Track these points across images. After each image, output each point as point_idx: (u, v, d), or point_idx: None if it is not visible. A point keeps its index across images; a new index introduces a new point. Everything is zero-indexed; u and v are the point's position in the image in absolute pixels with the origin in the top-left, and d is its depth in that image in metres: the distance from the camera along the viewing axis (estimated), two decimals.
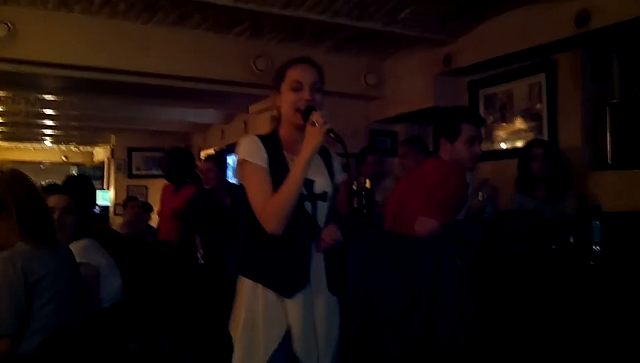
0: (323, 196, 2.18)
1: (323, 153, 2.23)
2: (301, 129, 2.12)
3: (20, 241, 2.50)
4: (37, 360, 2.43)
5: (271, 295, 2.11)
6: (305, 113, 2.09)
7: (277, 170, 2.10)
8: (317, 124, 2.02)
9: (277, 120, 2.25)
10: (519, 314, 3.38)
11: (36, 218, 2.54)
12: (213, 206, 4.97)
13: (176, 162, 5.41)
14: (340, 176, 2.32)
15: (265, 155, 2.11)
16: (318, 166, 2.20)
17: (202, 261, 5.05)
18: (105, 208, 11.04)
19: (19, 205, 2.51)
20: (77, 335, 2.57)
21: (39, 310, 2.48)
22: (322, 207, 2.19)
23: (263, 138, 2.17)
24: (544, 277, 3.37)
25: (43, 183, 3.45)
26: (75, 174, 10.52)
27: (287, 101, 2.17)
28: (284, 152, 2.17)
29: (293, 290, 2.10)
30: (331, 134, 2.04)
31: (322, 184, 2.18)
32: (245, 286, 2.14)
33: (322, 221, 2.19)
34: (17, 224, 2.50)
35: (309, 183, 2.13)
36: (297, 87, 2.15)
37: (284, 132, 2.22)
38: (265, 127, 2.34)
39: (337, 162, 2.32)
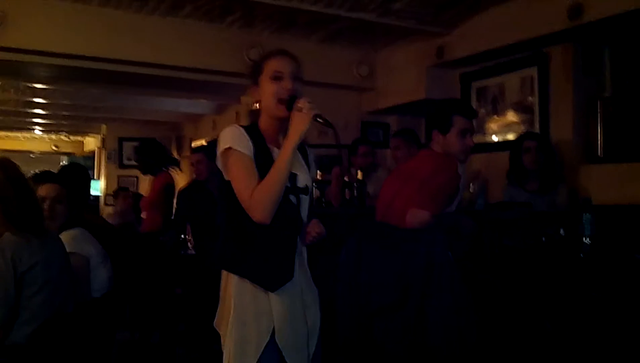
0: (305, 190, 2.17)
1: (300, 147, 2.16)
2: (283, 121, 2.10)
3: (7, 231, 2.48)
4: (27, 350, 2.42)
5: (259, 290, 2.08)
6: (289, 102, 2.08)
7: (262, 161, 2.08)
8: (303, 110, 2.01)
9: (255, 113, 2.22)
10: (508, 304, 3.40)
11: (21, 208, 2.52)
12: (203, 197, 4.97)
13: (143, 156, 5.49)
14: (314, 171, 2.31)
15: (250, 144, 2.08)
16: (299, 161, 2.18)
17: (192, 252, 5.06)
18: (95, 198, 10.99)
19: (3, 196, 2.50)
20: (67, 325, 2.56)
21: (28, 300, 2.47)
22: (305, 201, 2.18)
23: (246, 129, 2.14)
24: (534, 269, 3.39)
25: (37, 171, 3.43)
26: (71, 163, 10.47)
27: (268, 92, 2.14)
28: (267, 144, 2.15)
29: (279, 284, 2.08)
30: (319, 119, 2.03)
31: (304, 178, 2.17)
32: (231, 281, 2.11)
33: (305, 215, 2.18)
34: (1, 215, 2.49)
35: (292, 177, 2.11)
36: (277, 77, 2.13)
37: (264, 124, 2.18)
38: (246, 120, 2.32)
39: (312, 156, 2.30)
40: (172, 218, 5.33)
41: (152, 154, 5.47)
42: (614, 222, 3.59)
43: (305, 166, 2.22)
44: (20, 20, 4.82)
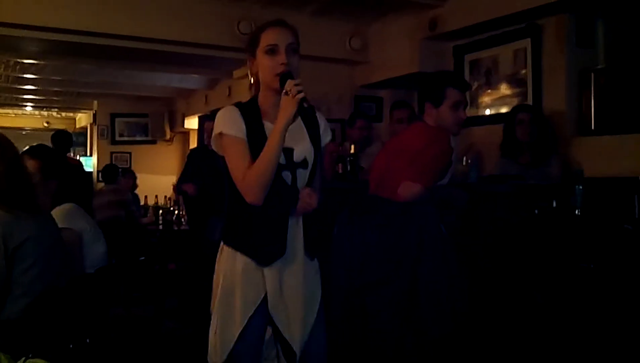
0: (303, 164, 2.17)
1: (306, 116, 2.19)
2: (281, 93, 2.10)
3: None
4: (21, 325, 2.42)
5: (250, 261, 2.12)
6: (282, 80, 2.06)
7: (256, 140, 2.09)
8: (290, 94, 2.00)
9: (255, 86, 2.22)
10: (500, 277, 3.42)
11: (9, 184, 2.50)
12: (208, 165, 4.98)
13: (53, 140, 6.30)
14: (327, 138, 2.29)
15: (243, 126, 2.09)
16: (298, 132, 2.17)
17: (186, 227, 5.08)
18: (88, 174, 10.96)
19: None
20: (60, 301, 2.56)
21: (21, 276, 2.46)
22: (303, 174, 2.18)
23: (242, 107, 2.15)
24: (525, 241, 3.41)
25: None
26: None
27: (264, 66, 2.13)
28: (263, 121, 2.15)
29: (271, 260, 2.12)
30: (305, 104, 2.01)
31: (302, 151, 2.17)
32: (225, 253, 2.17)
33: (302, 187, 2.18)
34: None
35: (288, 152, 2.11)
36: (272, 51, 2.11)
37: (262, 98, 2.19)
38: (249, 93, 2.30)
39: (323, 123, 2.29)
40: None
41: (59, 141, 6.22)
42: (606, 194, 3.60)
43: (308, 137, 2.21)
44: None
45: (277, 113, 2.09)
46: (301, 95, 2.00)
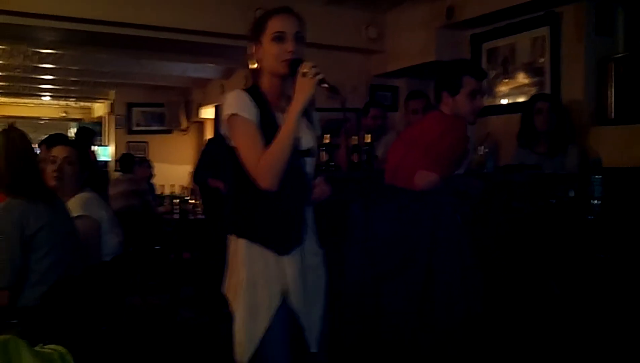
0: (308, 153, 2.16)
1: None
2: (286, 80, 2.08)
3: (9, 197, 2.51)
4: (38, 312, 2.45)
5: (270, 254, 2.08)
6: (292, 66, 2.03)
7: (266, 127, 2.05)
8: (308, 75, 1.97)
9: (256, 73, 2.17)
10: (516, 268, 3.40)
11: (25, 175, 2.53)
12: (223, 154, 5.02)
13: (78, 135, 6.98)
14: (318, 130, 2.28)
15: (255, 110, 2.05)
16: (302, 122, 2.13)
17: (201, 216, 5.09)
18: (105, 164, 11.04)
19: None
20: (76, 288, 2.59)
21: (36, 263, 2.49)
22: (309, 163, 2.17)
23: (248, 92, 2.10)
24: (542, 231, 3.38)
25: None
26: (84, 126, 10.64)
27: (270, 53, 2.09)
28: (270, 109, 2.12)
29: (291, 247, 2.09)
30: (324, 85, 1.99)
31: (307, 140, 2.15)
32: (241, 246, 2.10)
33: (310, 176, 2.17)
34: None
35: (295, 140, 2.07)
36: (280, 38, 2.08)
37: (266, 85, 2.15)
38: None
39: (316, 116, 2.27)
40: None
41: (84, 135, 6.80)
42: (624, 184, 3.56)
43: (310, 127, 2.20)
44: None
45: (282, 101, 2.08)
46: (320, 76, 1.97)
